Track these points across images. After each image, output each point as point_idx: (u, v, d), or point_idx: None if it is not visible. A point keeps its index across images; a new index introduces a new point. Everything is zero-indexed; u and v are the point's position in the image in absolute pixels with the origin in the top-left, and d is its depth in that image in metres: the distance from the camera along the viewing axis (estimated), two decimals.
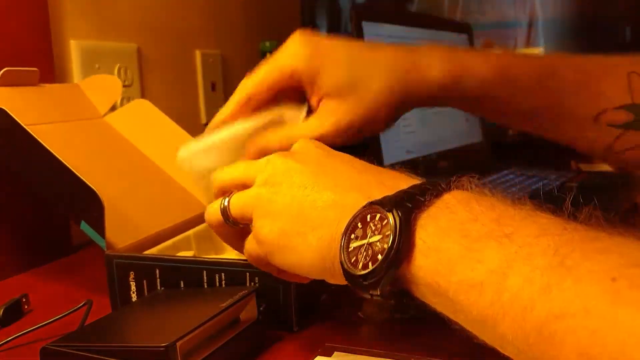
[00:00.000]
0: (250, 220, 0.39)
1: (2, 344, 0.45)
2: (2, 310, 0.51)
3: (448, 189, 0.32)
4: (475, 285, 0.28)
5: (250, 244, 0.40)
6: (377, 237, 0.31)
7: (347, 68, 0.46)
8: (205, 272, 0.48)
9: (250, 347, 0.43)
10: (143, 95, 0.89)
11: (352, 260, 0.32)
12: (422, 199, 0.31)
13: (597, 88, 0.50)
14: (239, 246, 0.43)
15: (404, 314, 0.47)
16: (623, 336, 0.22)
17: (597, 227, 0.27)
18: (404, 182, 0.35)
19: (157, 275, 0.50)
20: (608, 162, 0.70)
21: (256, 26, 1.18)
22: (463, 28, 1.07)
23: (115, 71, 0.83)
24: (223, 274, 0.47)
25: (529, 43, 1.25)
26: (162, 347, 0.35)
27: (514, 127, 0.54)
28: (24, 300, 0.53)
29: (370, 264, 0.31)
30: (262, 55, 1.00)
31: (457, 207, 0.31)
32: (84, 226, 0.53)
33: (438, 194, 0.32)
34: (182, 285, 0.49)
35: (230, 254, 0.54)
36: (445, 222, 0.30)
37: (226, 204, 0.40)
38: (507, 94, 0.49)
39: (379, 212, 0.31)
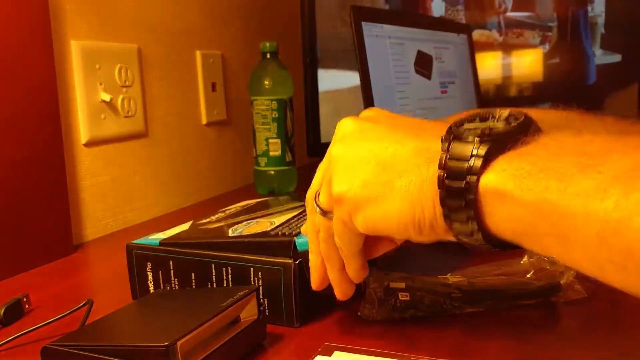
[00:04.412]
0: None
1: (3, 343, 0.45)
2: (2, 310, 0.51)
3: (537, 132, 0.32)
4: (596, 193, 0.26)
5: (334, 214, 0.39)
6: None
7: None
8: (213, 265, 0.49)
9: (250, 347, 0.43)
10: (144, 96, 0.89)
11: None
12: (518, 137, 0.31)
13: None
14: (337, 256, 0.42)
15: (403, 314, 0.47)
16: None
17: None
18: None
19: (171, 267, 0.51)
20: None
21: (256, 26, 1.18)
22: (463, 28, 1.08)
23: (116, 71, 0.83)
24: (230, 268, 0.49)
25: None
26: (163, 346, 0.35)
27: None
28: (24, 299, 0.53)
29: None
30: (262, 55, 1.00)
31: (563, 137, 0.30)
32: None
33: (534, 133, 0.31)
34: (193, 277, 0.50)
35: None
36: (554, 148, 0.29)
37: (317, 199, 0.41)
38: None
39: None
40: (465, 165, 0.31)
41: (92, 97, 0.79)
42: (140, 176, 0.89)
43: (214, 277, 0.49)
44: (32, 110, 0.67)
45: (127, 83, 0.85)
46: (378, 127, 0.38)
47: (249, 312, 0.43)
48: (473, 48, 1.09)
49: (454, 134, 0.32)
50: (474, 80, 1.09)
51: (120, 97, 0.84)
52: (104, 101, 0.80)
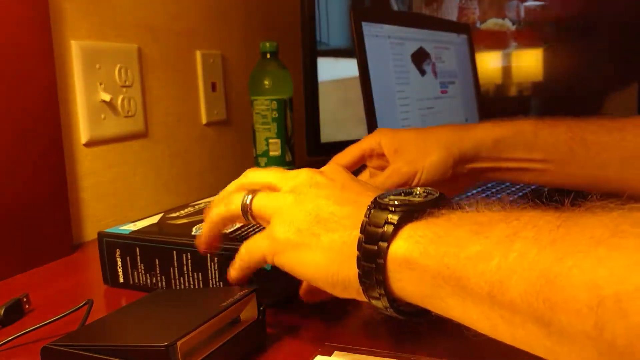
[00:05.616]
0: (267, 220, 0.42)
1: (3, 343, 0.45)
2: (2, 310, 0.51)
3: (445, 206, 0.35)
4: (483, 256, 0.29)
5: (258, 240, 0.43)
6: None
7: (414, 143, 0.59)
8: (175, 252, 0.53)
9: (250, 347, 0.43)
10: (144, 96, 0.89)
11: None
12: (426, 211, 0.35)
13: None
14: (216, 231, 0.48)
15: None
16: (612, 264, 0.24)
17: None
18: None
19: (137, 253, 0.55)
20: None
21: (256, 26, 1.18)
22: (463, 28, 1.08)
23: (116, 71, 0.83)
24: (189, 254, 0.52)
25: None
26: (163, 346, 0.35)
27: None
28: (24, 299, 0.53)
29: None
30: (262, 55, 1.00)
31: (463, 211, 0.34)
32: None
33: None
34: (157, 262, 0.54)
35: None
36: (455, 219, 0.33)
37: (248, 200, 0.44)
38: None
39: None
40: (380, 230, 0.34)
41: (92, 97, 0.79)
42: (140, 176, 0.89)
43: (175, 262, 0.53)
44: (32, 110, 0.67)
45: (127, 83, 0.85)
46: (332, 186, 0.42)
47: (249, 313, 0.43)
48: (473, 48, 1.09)
49: (375, 203, 0.36)
50: (474, 80, 1.09)
51: (120, 97, 0.84)
52: (104, 101, 0.80)
